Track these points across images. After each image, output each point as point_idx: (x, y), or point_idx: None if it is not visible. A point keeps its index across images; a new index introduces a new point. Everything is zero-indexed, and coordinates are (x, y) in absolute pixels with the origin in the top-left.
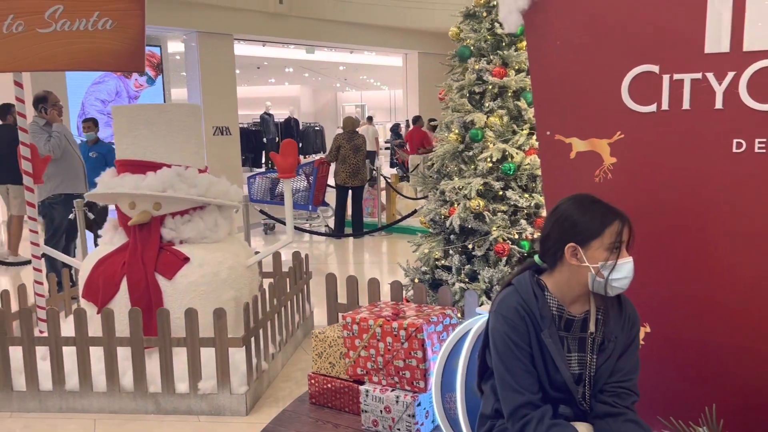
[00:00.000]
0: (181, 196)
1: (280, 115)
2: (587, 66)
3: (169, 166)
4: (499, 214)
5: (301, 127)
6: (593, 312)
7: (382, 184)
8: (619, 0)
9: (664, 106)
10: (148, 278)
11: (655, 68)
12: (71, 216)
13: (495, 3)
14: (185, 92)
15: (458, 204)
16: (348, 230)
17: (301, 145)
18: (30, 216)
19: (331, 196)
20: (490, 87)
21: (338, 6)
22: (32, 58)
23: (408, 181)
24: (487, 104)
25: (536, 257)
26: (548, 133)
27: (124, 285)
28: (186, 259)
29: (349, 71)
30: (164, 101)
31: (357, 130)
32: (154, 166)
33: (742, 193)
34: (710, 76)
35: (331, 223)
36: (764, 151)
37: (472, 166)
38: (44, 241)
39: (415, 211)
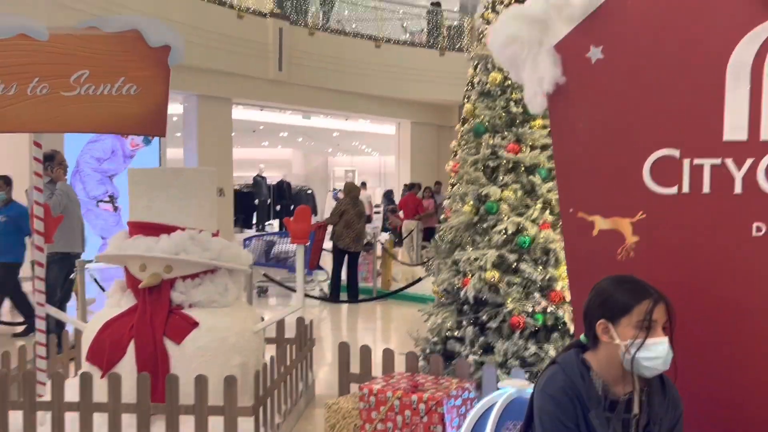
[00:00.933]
0: (194, 260)
1: (272, 177)
2: (610, 147)
3: (183, 229)
4: (514, 286)
5: (293, 190)
6: (637, 393)
7: (378, 249)
8: (640, 86)
9: (685, 189)
10: (156, 342)
11: (676, 152)
12: (72, 276)
13: (509, 83)
14: (181, 152)
15: (472, 275)
16: (342, 295)
17: (292, 207)
18: (38, 276)
19: (323, 261)
20: (504, 162)
21: (336, 75)
22: (54, 119)
23: (401, 246)
24: (501, 178)
25: (582, 336)
26: (571, 210)
27: (130, 349)
28: (195, 324)
29: (342, 137)
30: (159, 162)
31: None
32: (168, 229)
33: (761, 275)
34: (729, 162)
35: (326, 287)
36: None
37: (486, 238)
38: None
39: (419, 279)
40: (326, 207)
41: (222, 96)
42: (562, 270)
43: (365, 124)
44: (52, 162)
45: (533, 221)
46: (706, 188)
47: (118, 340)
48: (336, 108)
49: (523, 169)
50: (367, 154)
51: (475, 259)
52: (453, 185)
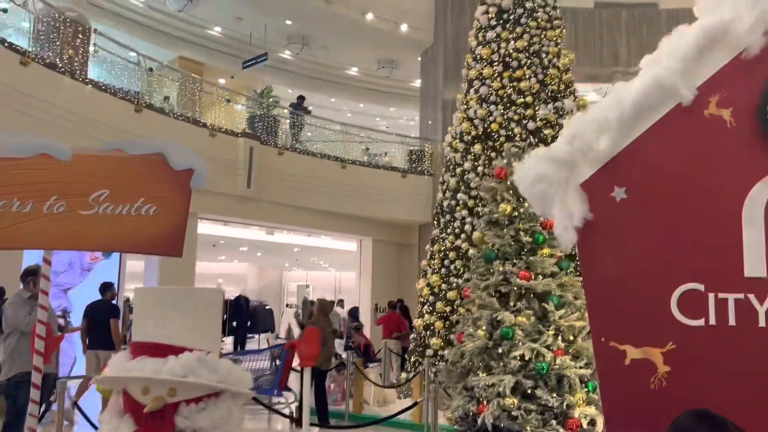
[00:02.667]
0: (203, 383)
1: (228, 292)
2: (638, 280)
3: (190, 350)
4: (532, 413)
5: (251, 306)
6: None
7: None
8: (663, 224)
9: (712, 321)
10: None
11: (701, 287)
12: (52, 398)
13: (516, 214)
14: (141, 265)
15: (488, 401)
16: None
17: (249, 324)
18: (32, 398)
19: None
20: (516, 288)
21: (302, 193)
22: (67, 237)
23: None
24: (512, 304)
25: None
26: (603, 339)
27: None
28: None
29: (302, 252)
30: (119, 275)
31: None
32: (175, 350)
33: None
34: (752, 297)
35: (294, 408)
36: None
37: (501, 363)
38: (3, 427)
39: (414, 404)
40: (282, 324)
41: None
42: (578, 396)
43: (326, 240)
44: (35, 277)
45: (547, 347)
46: (731, 321)
47: None
48: (301, 224)
49: (532, 295)
50: (323, 269)
51: (492, 385)
52: (467, 310)
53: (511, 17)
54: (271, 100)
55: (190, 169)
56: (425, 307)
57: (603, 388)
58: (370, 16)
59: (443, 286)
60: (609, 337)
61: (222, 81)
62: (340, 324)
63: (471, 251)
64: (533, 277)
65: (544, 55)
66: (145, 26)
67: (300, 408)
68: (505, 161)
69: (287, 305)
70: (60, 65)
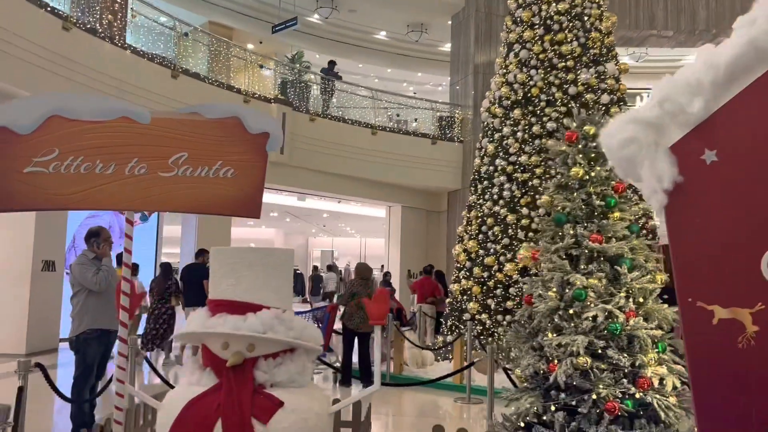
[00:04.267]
0: (282, 339)
1: None
2: (727, 242)
3: (267, 308)
4: (605, 372)
5: None
6: None
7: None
8: (755, 187)
9: None
10: (244, 423)
11: None
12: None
13: (587, 178)
14: (179, 230)
15: (559, 360)
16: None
17: None
18: (120, 352)
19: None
20: (586, 251)
21: (334, 159)
22: (149, 199)
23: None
24: (583, 266)
25: None
26: (690, 299)
27: (217, 428)
28: (281, 404)
29: (330, 218)
30: (157, 239)
31: (370, 277)
32: (254, 308)
33: None
34: None
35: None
36: None
37: (572, 324)
38: (74, 378)
39: (473, 363)
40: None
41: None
42: (650, 356)
43: (355, 207)
44: (98, 238)
45: (620, 308)
46: None
47: (203, 420)
48: (332, 191)
49: (602, 258)
50: (349, 235)
51: (563, 345)
52: (535, 273)
53: None
54: (302, 65)
55: (265, 132)
56: (462, 272)
57: (689, 348)
58: None
59: (480, 252)
60: (696, 297)
61: (250, 46)
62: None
63: (509, 217)
64: (604, 240)
65: (586, 18)
66: None
67: (343, 368)
68: (575, 125)
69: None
70: (100, 30)
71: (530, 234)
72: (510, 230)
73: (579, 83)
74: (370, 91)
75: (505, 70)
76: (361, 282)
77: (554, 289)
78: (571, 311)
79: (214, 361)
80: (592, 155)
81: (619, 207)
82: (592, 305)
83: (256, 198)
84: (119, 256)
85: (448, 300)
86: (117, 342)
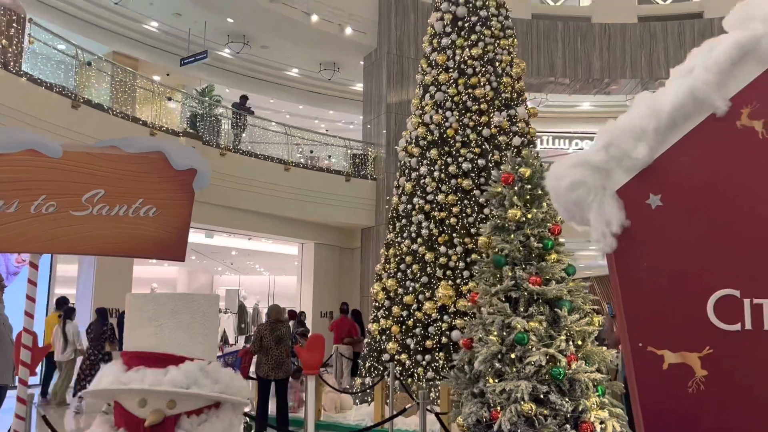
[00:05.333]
0: (206, 394)
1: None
2: (674, 286)
3: (191, 359)
4: (549, 418)
5: None
6: None
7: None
8: (698, 230)
9: (748, 326)
10: None
11: (737, 292)
12: None
13: (524, 219)
14: (73, 269)
15: (501, 407)
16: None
17: None
18: (17, 413)
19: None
20: (526, 293)
21: (245, 195)
22: (61, 240)
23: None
24: (522, 309)
25: None
26: (640, 344)
27: None
28: None
29: (240, 256)
30: (50, 279)
31: (282, 320)
32: (175, 360)
33: None
34: None
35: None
36: None
37: (514, 369)
38: None
39: (404, 411)
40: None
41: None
42: (592, 401)
43: (266, 244)
44: None
45: (561, 352)
46: (767, 326)
47: None
48: (243, 227)
49: (541, 301)
50: (258, 273)
51: (506, 391)
52: (473, 315)
53: (466, 25)
54: (213, 98)
55: (192, 168)
56: (380, 311)
57: (640, 393)
58: (314, 18)
59: (399, 290)
60: (647, 342)
61: (157, 78)
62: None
63: (428, 255)
64: (543, 282)
65: (497, 63)
66: (79, 19)
67: (258, 416)
68: (510, 167)
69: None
70: None
71: (448, 272)
72: (428, 268)
73: (492, 125)
74: (284, 127)
75: (421, 111)
76: (269, 326)
77: (495, 333)
78: (512, 356)
79: (130, 420)
80: (528, 197)
81: (555, 249)
82: (534, 349)
83: (182, 239)
84: (60, 301)
85: (365, 340)
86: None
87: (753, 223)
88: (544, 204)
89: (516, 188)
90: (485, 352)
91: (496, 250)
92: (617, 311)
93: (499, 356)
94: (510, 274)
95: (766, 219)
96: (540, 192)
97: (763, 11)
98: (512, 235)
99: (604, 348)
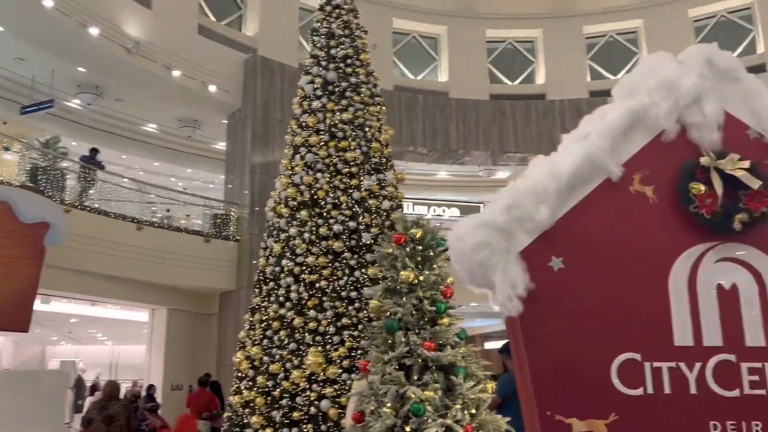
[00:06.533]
0: None
1: None
2: (579, 351)
3: None
4: None
5: None
6: None
7: None
8: (599, 294)
9: (649, 390)
10: None
11: (638, 356)
12: None
13: (416, 282)
14: None
15: None
16: None
17: None
18: None
19: None
20: (420, 360)
21: (92, 257)
22: None
23: None
24: (416, 377)
25: None
26: (549, 413)
27: None
28: None
29: (81, 323)
30: None
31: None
32: None
33: None
34: (682, 365)
35: None
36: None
37: None
38: None
39: None
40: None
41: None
42: None
43: (112, 310)
44: None
45: (457, 422)
46: (666, 389)
47: None
48: (86, 292)
49: (435, 367)
50: (99, 342)
51: None
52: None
53: (336, 89)
54: (58, 150)
55: (44, 222)
56: (243, 382)
57: None
58: (176, 73)
59: (265, 358)
60: (555, 411)
61: None
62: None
63: (297, 320)
64: (437, 348)
65: (367, 129)
66: None
67: None
68: (402, 227)
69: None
70: None
71: (318, 338)
72: (297, 334)
73: (362, 188)
74: (138, 184)
75: (291, 172)
76: (99, 405)
77: (389, 404)
78: (408, 429)
79: None
80: (419, 258)
81: (447, 312)
82: (430, 420)
83: (26, 306)
84: None
85: (226, 414)
86: None
87: (646, 287)
88: (436, 266)
89: (408, 249)
90: (379, 427)
91: (389, 314)
92: (521, 378)
93: (394, 430)
94: (403, 339)
95: (658, 283)
96: (432, 254)
97: (648, 83)
98: (405, 298)
99: (499, 416)
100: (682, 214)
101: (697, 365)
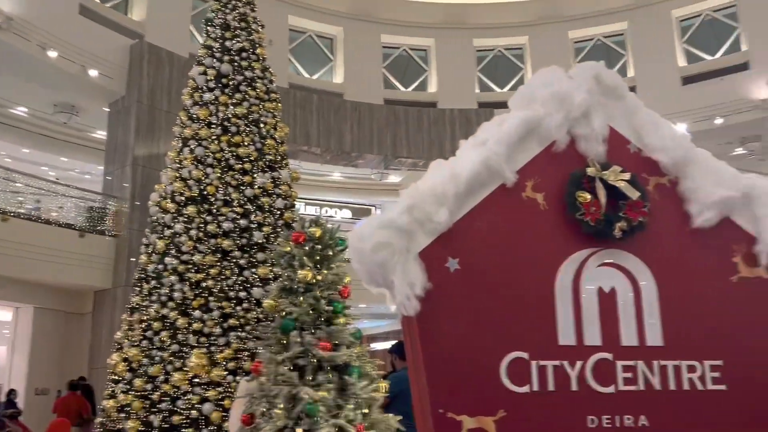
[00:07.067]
0: None
1: None
2: (471, 350)
3: None
4: None
5: None
6: None
7: None
8: (492, 295)
9: (535, 387)
10: None
11: (525, 355)
12: None
13: (314, 281)
14: None
15: None
16: None
17: None
18: None
19: None
20: (314, 361)
21: None
22: None
23: None
24: (309, 378)
25: None
26: (441, 410)
27: None
28: None
29: None
30: None
31: None
32: None
33: None
34: (565, 363)
35: None
36: (610, 426)
37: None
38: None
39: None
40: None
41: None
42: None
43: None
44: None
45: (350, 422)
46: (551, 386)
47: None
48: None
49: (329, 367)
50: None
51: None
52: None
53: (231, 83)
54: None
55: None
56: (119, 385)
57: None
58: (53, 54)
59: (144, 360)
60: (447, 408)
61: None
62: None
63: (180, 321)
64: (333, 348)
65: (262, 125)
66: None
67: None
68: (300, 226)
69: None
70: None
71: (202, 339)
72: (180, 335)
73: (256, 186)
74: (3, 171)
75: (178, 165)
76: None
77: (281, 406)
78: (299, 430)
79: None
80: (318, 258)
81: (344, 312)
82: (323, 421)
83: None
84: None
85: (98, 420)
86: None
87: (535, 289)
88: (334, 265)
89: (306, 248)
90: (270, 428)
91: (284, 313)
92: (415, 377)
93: (284, 431)
94: (298, 340)
95: (546, 285)
96: (330, 253)
97: (542, 95)
98: (301, 298)
99: (390, 415)
100: (569, 221)
101: (579, 363)
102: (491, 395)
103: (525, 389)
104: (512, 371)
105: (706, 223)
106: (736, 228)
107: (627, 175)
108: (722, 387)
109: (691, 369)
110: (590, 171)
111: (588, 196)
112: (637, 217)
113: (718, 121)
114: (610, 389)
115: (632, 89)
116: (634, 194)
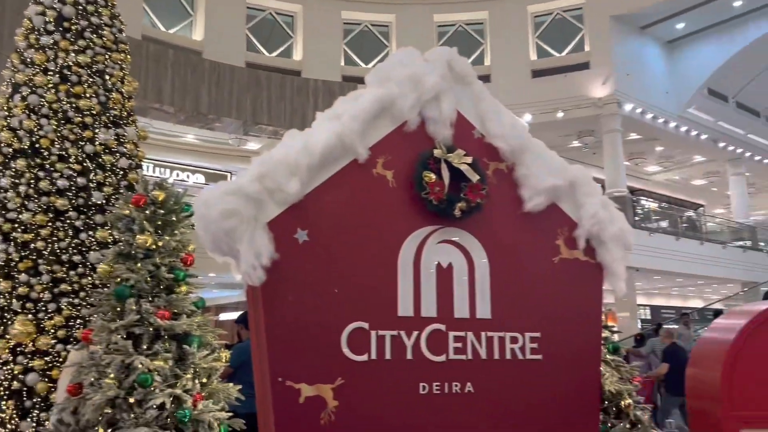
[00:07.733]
0: None
1: None
2: (314, 320)
3: None
4: None
5: None
6: None
7: None
8: (337, 267)
9: (373, 356)
10: None
11: (366, 325)
12: None
13: (155, 247)
14: None
15: None
16: None
17: None
18: None
19: None
20: (151, 330)
21: None
22: None
23: None
24: (145, 347)
25: None
26: (280, 379)
27: None
28: None
29: None
30: None
31: None
32: None
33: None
34: (402, 333)
35: None
36: (439, 392)
37: (132, 415)
38: None
39: None
40: None
41: None
42: None
43: None
44: None
45: (187, 392)
46: (388, 355)
47: None
48: None
49: (168, 337)
50: None
51: None
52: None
53: (74, 27)
54: None
55: None
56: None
57: (278, 428)
58: None
59: None
60: (286, 377)
61: None
62: None
63: (4, 284)
64: (172, 317)
65: (107, 77)
66: None
67: None
68: (142, 188)
69: None
70: None
71: (29, 305)
72: (2, 300)
73: (97, 142)
74: None
75: (7, 113)
76: None
77: (112, 375)
78: (132, 400)
79: None
80: (160, 222)
81: (186, 280)
82: (158, 390)
83: None
84: None
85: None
86: None
87: (379, 262)
88: (177, 231)
89: (148, 212)
90: (99, 399)
91: (119, 280)
92: (256, 346)
93: (117, 402)
94: (134, 307)
95: (389, 259)
96: (174, 218)
97: (398, 74)
98: (139, 264)
99: (231, 384)
100: (415, 199)
101: (415, 333)
102: (330, 364)
103: (363, 358)
104: (352, 341)
105: (536, 208)
106: (561, 213)
107: (469, 159)
108: (539, 357)
109: (514, 340)
110: (437, 153)
111: (433, 177)
112: (476, 199)
113: (560, 114)
114: (442, 358)
115: (488, 77)
116: (474, 177)
